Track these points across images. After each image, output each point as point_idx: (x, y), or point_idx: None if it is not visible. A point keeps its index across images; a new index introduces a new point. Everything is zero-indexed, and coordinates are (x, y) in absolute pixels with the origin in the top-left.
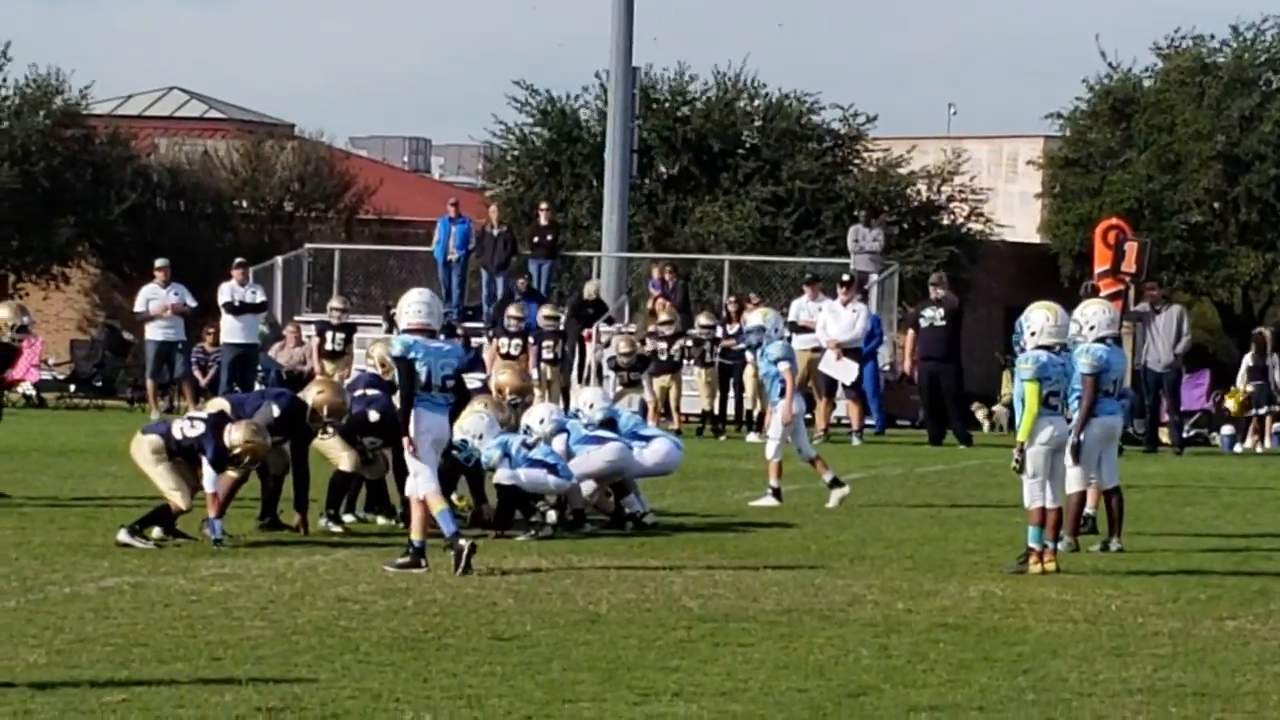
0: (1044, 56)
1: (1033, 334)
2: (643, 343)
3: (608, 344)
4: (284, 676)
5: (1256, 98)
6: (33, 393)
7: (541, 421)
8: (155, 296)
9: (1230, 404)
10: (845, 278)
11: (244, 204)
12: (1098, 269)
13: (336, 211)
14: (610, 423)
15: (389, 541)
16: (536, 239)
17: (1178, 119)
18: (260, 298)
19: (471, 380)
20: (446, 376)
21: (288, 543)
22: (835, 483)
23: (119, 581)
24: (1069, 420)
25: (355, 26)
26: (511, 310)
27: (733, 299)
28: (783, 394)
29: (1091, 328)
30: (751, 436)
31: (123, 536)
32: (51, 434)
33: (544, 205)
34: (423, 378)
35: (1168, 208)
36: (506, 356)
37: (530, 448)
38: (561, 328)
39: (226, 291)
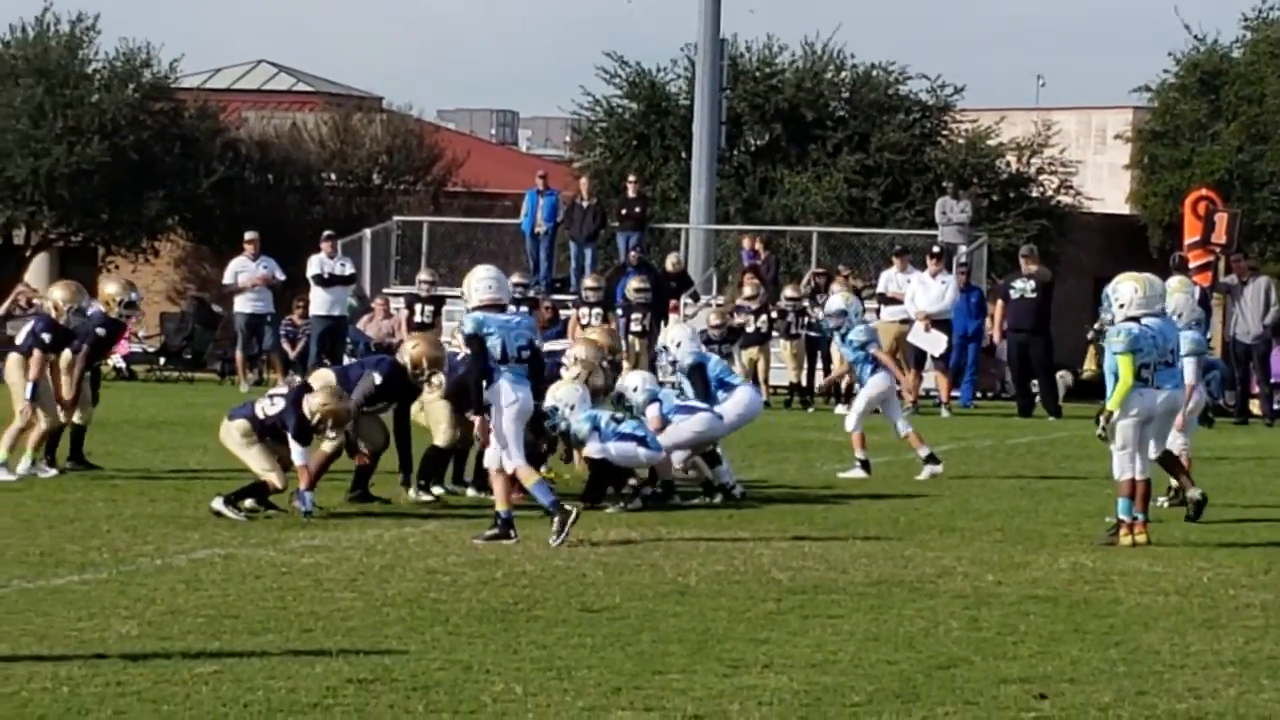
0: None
1: (1121, 306)
2: (731, 315)
3: (692, 316)
4: (374, 648)
5: None
6: (123, 365)
7: (635, 389)
8: (244, 269)
9: None
10: (934, 249)
11: (332, 177)
12: (1187, 240)
13: (425, 184)
14: (700, 367)
15: (479, 514)
16: (625, 211)
17: (1268, 90)
18: (349, 270)
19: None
20: (521, 347)
21: (377, 515)
22: (930, 459)
23: (210, 553)
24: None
25: None
26: (588, 281)
27: (821, 270)
28: (875, 371)
29: (1121, 305)
30: (840, 408)
31: (217, 504)
32: (141, 406)
33: (632, 177)
34: (498, 352)
35: (1258, 179)
36: (585, 328)
37: (620, 421)
38: (650, 300)
39: (315, 264)
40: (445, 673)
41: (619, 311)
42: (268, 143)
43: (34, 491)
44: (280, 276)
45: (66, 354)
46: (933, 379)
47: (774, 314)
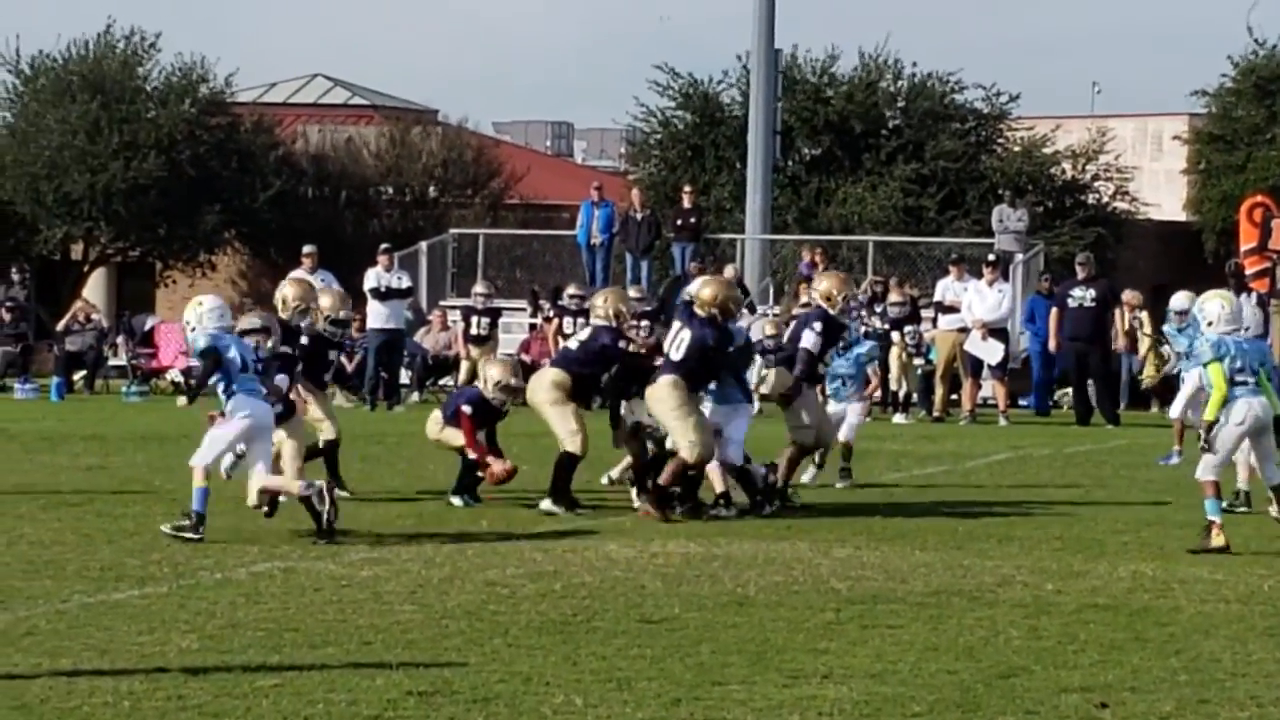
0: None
1: (1210, 324)
2: (786, 325)
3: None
4: (434, 660)
5: None
6: (180, 379)
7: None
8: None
9: None
10: (991, 258)
11: (389, 190)
12: (1243, 246)
13: (481, 196)
14: None
15: (540, 525)
16: (680, 222)
17: None
18: (406, 283)
19: None
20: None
21: (426, 534)
22: (844, 472)
23: (269, 567)
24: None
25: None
26: (631, 292)
27: (878, 279)
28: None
29: (1210, 323)
30: (897, 418)
31: (546, 506)
32: (200, 420)
33: (687, 188)
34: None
35: None
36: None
37: None
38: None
39: (372, 277)
40: (505, 685)
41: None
42: (324, 156)
43: (94, 506)
44: (337, 288)
45: None
46: (990, 388)
47: None
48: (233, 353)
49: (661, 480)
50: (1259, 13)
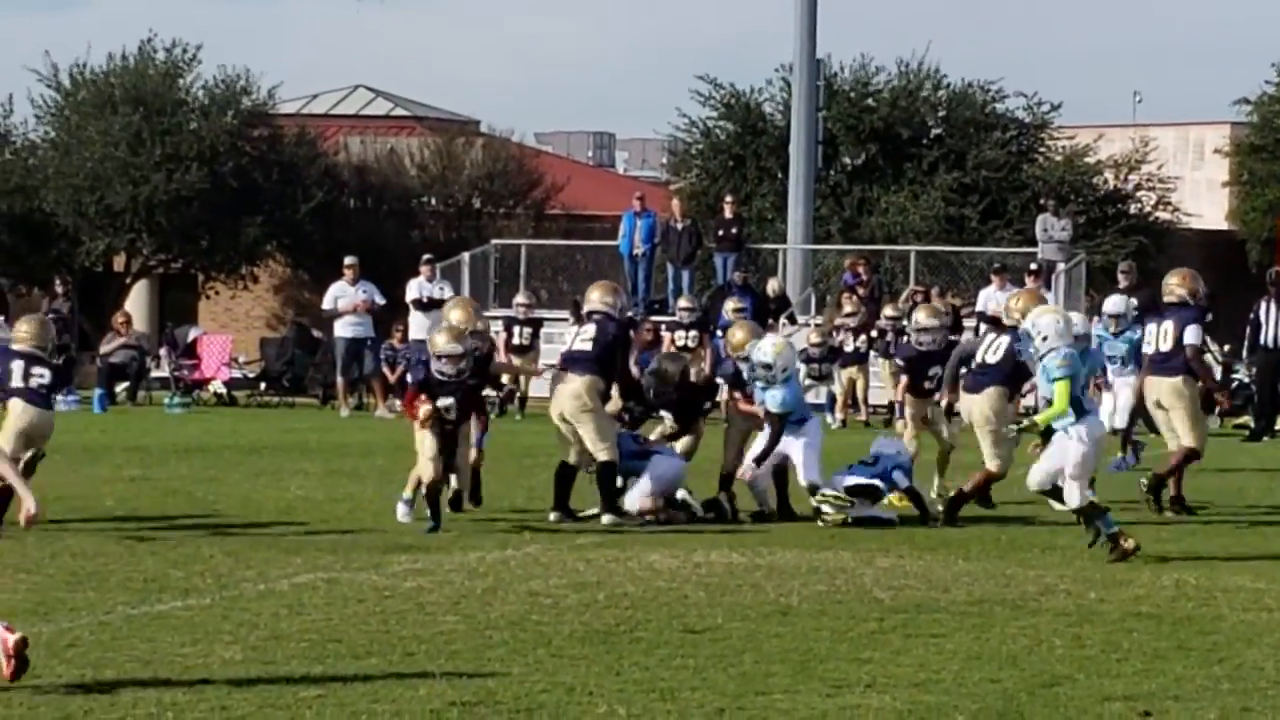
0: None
1: (1044, 339)
2: (831, 334)
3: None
4: (477, 671)
5: None
6: (223, 391)
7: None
8: (344, 294)
9: None
10: (1033, 266)
11: (431, 201)
12: None
13: (523, 207)
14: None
15: (586, 532)
16: (721, 232)
17: None
18: (448, 293)
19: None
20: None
21: (470, 545)
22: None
23: (312, 578)
24: None
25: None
26: (682, 302)
27: (919, 289)
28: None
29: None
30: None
31: (607, 520)
32: (243, 431)
33: (729, 198)
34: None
35: None
36: (683, 349)
37: None
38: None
39: (415, 288)
40: (549, 695)
41: (719, 332)
42: (366, 168)
43: (137, 518)
44: (380, 301)
45: None
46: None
47: (874, 333)
48: None
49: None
50: None
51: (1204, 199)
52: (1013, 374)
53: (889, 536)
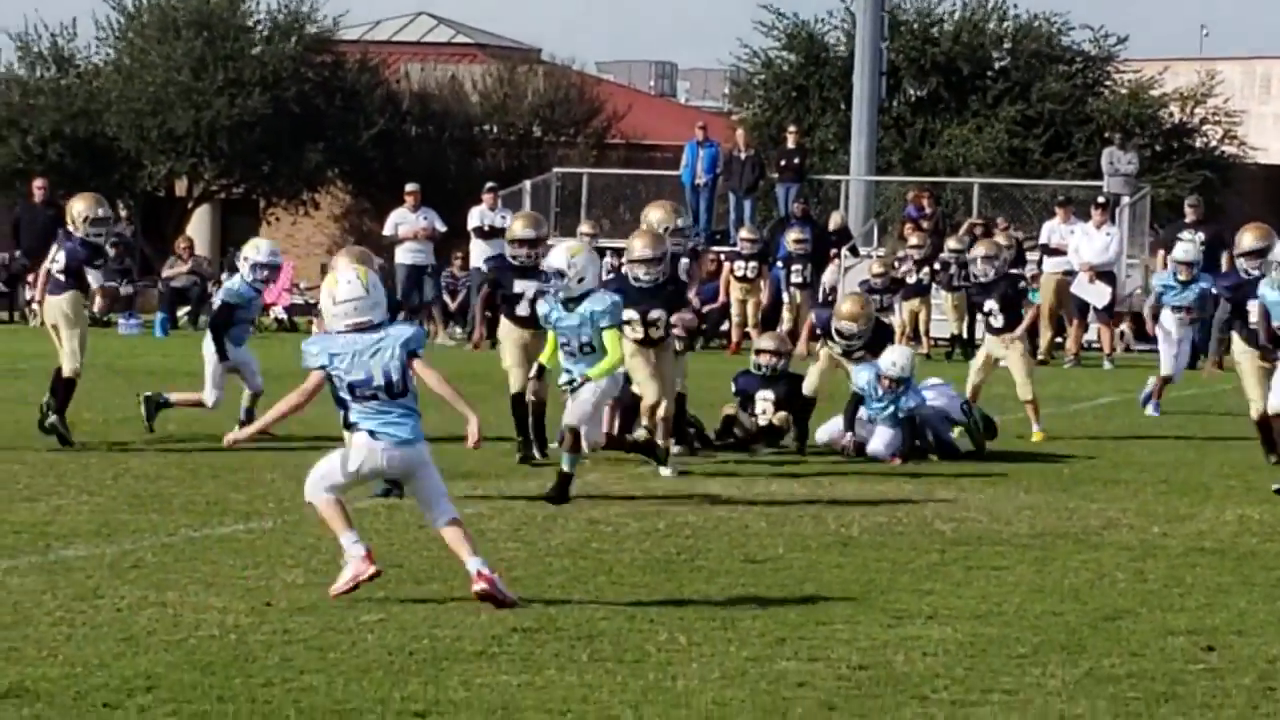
0: None
1: None
2: (894, 266)
3: (850, 269)
4: (538, 597)
5: None
6: (284, 317)
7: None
8: (404, 221)
9: None
10: (1100, 200)
11: (493, 129)
12: None
13: (584, 136)
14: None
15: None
16: (784, 163)
17: None
18: (509, 222)
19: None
20: None
21: (540, 466)
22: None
23: (373, 503)
24: None
25: None
26: (744, 233)
27: (979, 221)
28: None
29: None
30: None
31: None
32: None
33: (792, 128)
34: None
35: None
36: (741, 280)
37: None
38: (809, 251)
39: (476, 216)
40: (609, 622)
41: (779, 264)
42: (428, 95)
43: (198, 442)
44: (441, 228)
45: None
46: (1095, 331)
47: (936, 266)
48: None
49: None
50: None
51: (1270, 133)
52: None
53: (950, 469)
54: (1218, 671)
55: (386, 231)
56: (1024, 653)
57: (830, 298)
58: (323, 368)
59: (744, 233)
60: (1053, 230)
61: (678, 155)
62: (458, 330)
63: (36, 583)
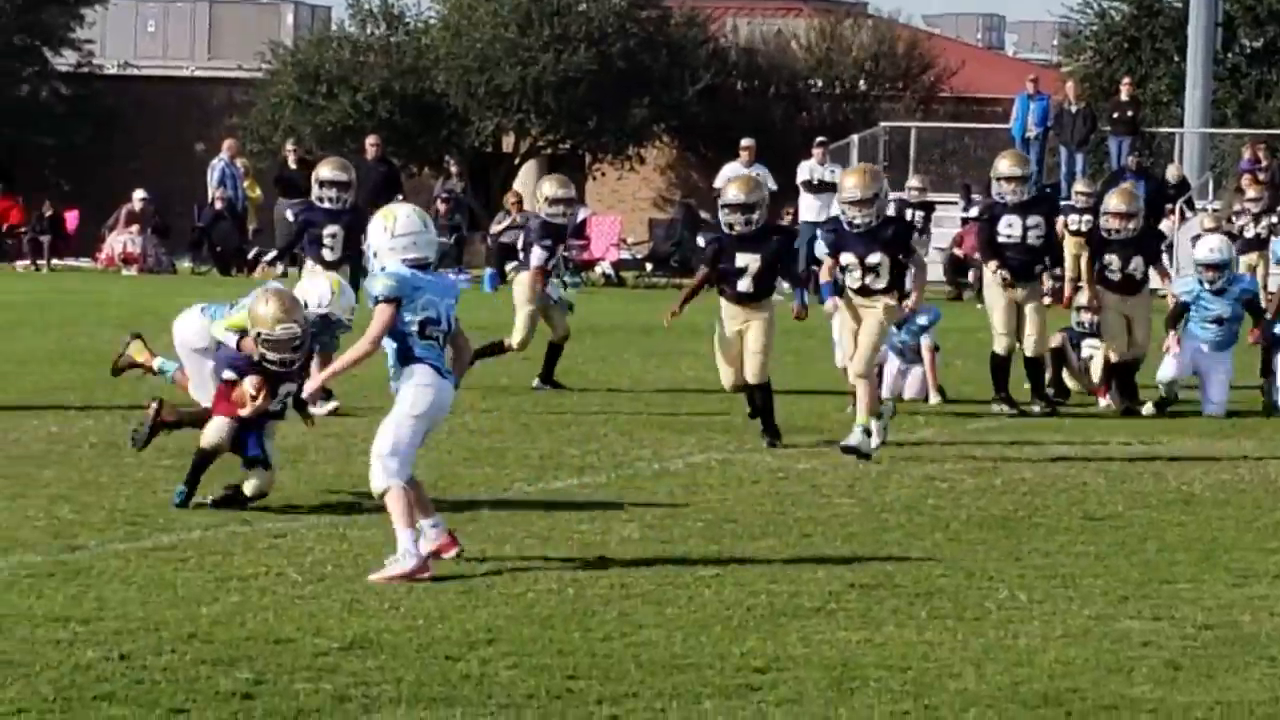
0: None
1: None
2: (1228, 220)
3: (1187, 221)
4: (874, 554)
5: None
6: (611, 271)
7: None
8: (735, 175)
9: None
10: None
11: (818, 83)
12: None
13: (911, 90)
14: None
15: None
16: (1116, 115)
17: None
18: (838, 176)
19: None
20: None
21: None
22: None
23: (706, 458)
24: None
25: None
26: (1079, 186)
27: None
28: None
29: None
30: None
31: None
32: (632, 313)
33: (1126, 80)
34: None
35: None
36: (1075, 234)
37: None
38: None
39: (805, 170)
40: (948, 579)
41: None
42: (754, 50)
43: (530, 396)
44: (772, 186)
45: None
46: None
47: (1274, 219)
48: None
49: None
50: None
51: None
52: None
53: None
54: None
55: (717, 185)
56: None
57: None
58: (398, 300)
59: (1079, 186)
60: None
61: (1006, 109)
62: (785, 286)
63: (377, 536)
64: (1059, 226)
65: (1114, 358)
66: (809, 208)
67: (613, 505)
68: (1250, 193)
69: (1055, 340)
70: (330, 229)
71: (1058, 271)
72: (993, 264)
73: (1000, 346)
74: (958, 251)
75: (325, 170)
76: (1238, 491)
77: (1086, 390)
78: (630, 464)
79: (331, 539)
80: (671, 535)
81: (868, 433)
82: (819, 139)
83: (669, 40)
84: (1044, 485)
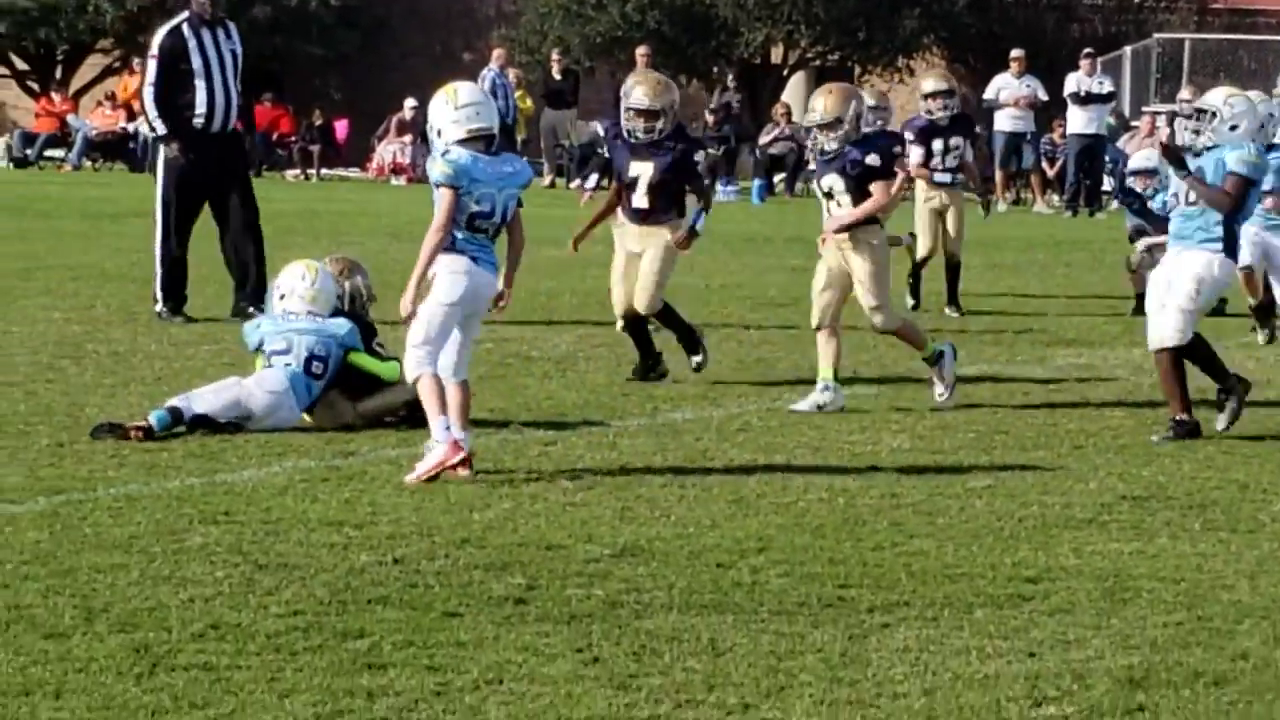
0: None
1: None
2: None
3: None
4: (1146, 466)
5: None
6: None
7: None
8: (1007, 86)
9: None
10: None
11: None
12: None
13: (1185, 1)
14: None
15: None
16: None
17: None
18: (1107, 88)
19: None
20: None
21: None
22: None
23: (977, 369)
24: None
25: None
26: None
27: None
28: None
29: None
30: None
31: None
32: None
33: None
34: None
35: None
36: None
37: None
38: None
39: (1073, 82)
40: (1221, 491)
41: None
42: None
43: (798, 308)
44: (1043, 97)
45: None
46: None
47: None
48: None
49: None
50: None
51: None
52: None
53: None
54: None
55: (987, 96)
56: None
57: None
58: (457, 188)
59: None
60: None
61: None
62: (1055, 198)
63: (646, 444)
64: None
65: None
66: (1076, 120)
67: (883, 415)
68: None
69: None
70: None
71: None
72: None
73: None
74: None
75: (637, 91)
76: None
77: None
78: (900, 374)
79: (601, 447)
80: (942, 446)
81: None
82: (1086, 50)
83: None
84: None
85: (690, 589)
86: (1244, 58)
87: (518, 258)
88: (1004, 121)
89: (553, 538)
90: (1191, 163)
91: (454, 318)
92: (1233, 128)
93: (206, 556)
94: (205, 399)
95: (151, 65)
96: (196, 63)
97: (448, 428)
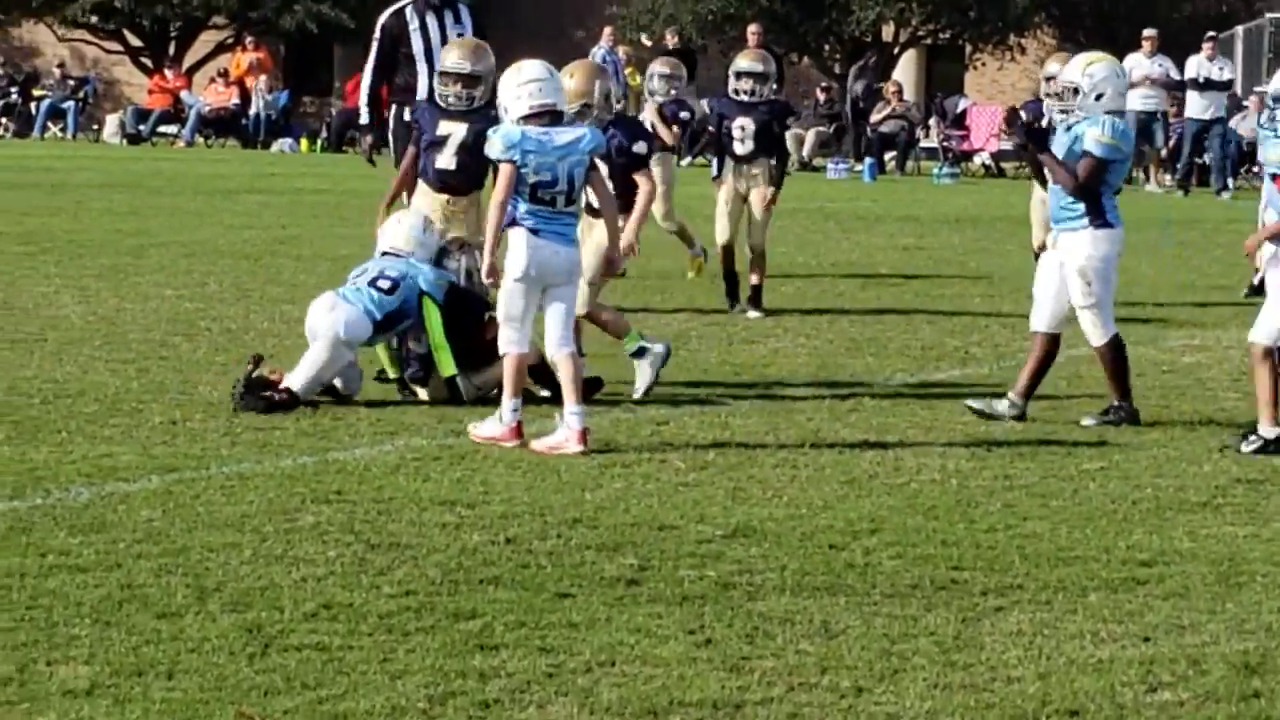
0: None
1: None
2: None
3: None
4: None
5: None
6: (991, 162)
7: None
8: (1138, 65)
9: None
10: None
11: None
12: None
13: None
14: None
15: None
16: None
17: None
18: (1226, 75)
19: None
20: None
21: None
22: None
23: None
24: None
25: None
26: None
27: None
28: None
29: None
30: None
31: None
32: (1012, 204)
33: None
34: None
35: None
36: None
37: None
38: None
39: (1193, 66)
40: None
41: None
42: None
43: (910, 286)
44: (1175, 76)
45: None
46: None
47: None
48: None
49: None
50: None
51: None
52: None
53: None
54: None
55: None
56: None
57: None
58: (513, 161)
59: None
60: None
61: None
62: (1167, 178)
63: (759, 424)
64: None
65: None
66: (1194, 105)
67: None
68: None
69: None
70: (740, 121)
71: None
72: None
73: None
74: None
75: (742, 61)
76: None
77: None
78: (1013, 355)
79: (714, 426)
80: (1056, 428)
81: None
82: (1209, 34)
83: None
84: None
85: (803, 570)
86: None
87: (612, 217)
88: (1134, 101)
89: (665, 518)
90: (1062, 138)
91: (524, 293)
92: (1098, 97)
93: (319, 536)
94: (293, 378)
95: (373, 48)
96: (417, 46)
97: (515, 410)
